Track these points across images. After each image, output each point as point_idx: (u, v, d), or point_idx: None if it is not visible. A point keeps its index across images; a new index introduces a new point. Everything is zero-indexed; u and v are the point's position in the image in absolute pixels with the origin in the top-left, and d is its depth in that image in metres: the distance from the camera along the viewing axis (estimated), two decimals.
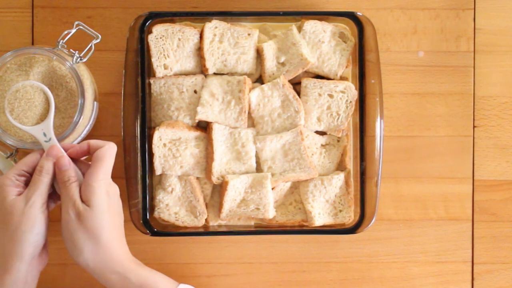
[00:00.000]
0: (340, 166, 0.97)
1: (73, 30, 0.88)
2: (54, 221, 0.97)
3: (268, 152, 0.94)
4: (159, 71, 0.94)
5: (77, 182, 0.82)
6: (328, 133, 0.96)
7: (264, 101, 0.94)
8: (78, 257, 0.82)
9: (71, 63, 0.88)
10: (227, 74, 0.95)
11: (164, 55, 0.93)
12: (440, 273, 1.01)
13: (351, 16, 0.94)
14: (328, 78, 0.96)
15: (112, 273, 0.82)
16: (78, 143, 0.95)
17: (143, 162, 0.93)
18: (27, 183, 0.83)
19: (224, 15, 0.95)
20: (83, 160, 0.87)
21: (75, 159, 0.85)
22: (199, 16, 0.95)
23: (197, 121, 0.94)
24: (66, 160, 0.83)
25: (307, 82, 0.95)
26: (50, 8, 0.99)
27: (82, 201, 0.81)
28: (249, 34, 0.94)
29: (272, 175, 0.94)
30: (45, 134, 0.84)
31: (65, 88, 0.89)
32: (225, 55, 0.94)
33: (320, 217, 0.95)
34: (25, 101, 0.85)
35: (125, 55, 0.92)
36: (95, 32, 0.89)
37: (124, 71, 0.92)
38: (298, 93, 0.95)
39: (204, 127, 0.96)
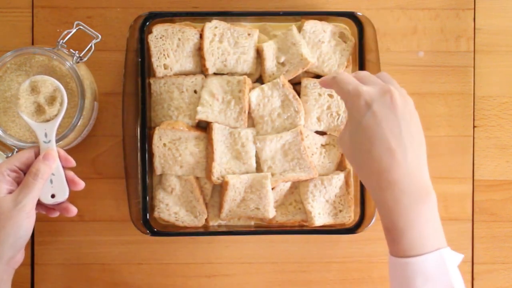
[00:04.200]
0: (340, 166, 0.97)
1: (73, 30, 0.88)
2: (53, 221, 0.97)
3: (268, 152, 0.94)
4: (159, 71, 0.94)
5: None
6: (328, 133, 0.96)
7: (264, 101, 0.94)
8: None
9: (71, 63, 0.88)
10: (227, 74, 0.95)
11: (164, 55, 0.93)
12: None
13: (351, 16, 0.94)
14: None
15: None
16: (78, 143, 0.95)
17: (143, 162, 0.93)
18: (17, 180, 0.81)
19: (224, 15, 0.95)
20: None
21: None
22: (199, 16, 0.95)
23: (197, 121, 0.94)
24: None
25: (307, 82, 0.95)
26: (50, 8, 0.99)
27: None
28: (249, 34, 0.94)
29: (272, 175, 0.94)
30: (46, 135, 0.83)
31: (65, 88, 0.88)
32: (225, 55, 0.94)
33: (320, 217, 0.95)
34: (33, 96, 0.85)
35: (125, 55, 0.92)
36: (95, 32, 0.89)
37: (124, 71, 0.92)
38: (298, 93, 0.95)
39: (204, 127, 0.96)
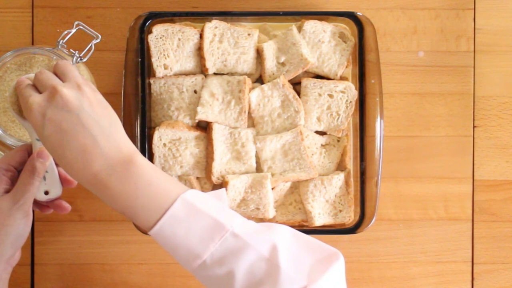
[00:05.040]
0: (340, 166, 0.97)
1: (73, 30, 0.88)
2: (53, 221, 0.98)
3: (268, 152, 0.94)
4: (159, 71, 0.94)
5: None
6: (328, 133, 0.96)
7: (264, 101, 0.94)
8: None
9: (71, 63, 0.88)
10: (227, 74, 0.95)
11: (164, 55, 0.93)
12: (440, 273, 1.01)
13: (351, 16, 0.94)
14: (328, 78, 0.96)
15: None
16: None
17: None
18: (12, 178, 0.81)
19: (224, 15, 0.95)
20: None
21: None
22: (199, 16, 0.95)
23: (197, 121, 0.94)
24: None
25: (307, 82, 0.95)
26: (50, 8, 0.99)
27: None
28: (249, 34, 0.94)
29: (272, 175, 0.94)
30: None
31: None
32: (225, 55, 0.94)
33: (320, 217, 0.95)
34: None
35: (125, 55, 0.92)
36: (95, 32, 0.89)
37: (124, 71, 0.92)
38: (298, 93, 0.95)
39: (204, 127, 0.96)
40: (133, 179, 0.73)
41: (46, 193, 0.83)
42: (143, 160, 0.75)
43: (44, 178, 0.82)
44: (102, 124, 0.74)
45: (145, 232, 0.92)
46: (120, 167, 0.73)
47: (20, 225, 0.79)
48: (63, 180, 0.84)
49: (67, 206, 0.85)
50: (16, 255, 0.83)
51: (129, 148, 0.75)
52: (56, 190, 0.83)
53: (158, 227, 0.72)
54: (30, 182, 0.80)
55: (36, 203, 0.84)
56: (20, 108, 0.79)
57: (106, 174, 0.72)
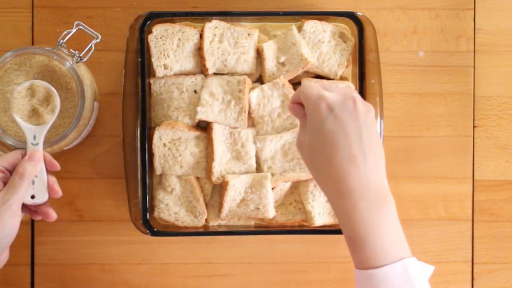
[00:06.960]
0: None
1: (73, 30, 0.88)
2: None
3: (268, 152, 0.94)
4: (159, 71, 0.94)
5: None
6: None
7: (264, 101, 0.94)
8: None
9: (71, 63, 0.88)
10: (227, 74, 0.95)
11: (164, 55, 0.93)
12: (440, 273, 1.01)
13: (351, 16, 0.94)
14: (328, 78, 0.96)
15: None
16: (78, 143, 0.95)
17: (143, 162, 0.93)
18: (3, 180, 0.82)
19: (224, 15, 0.95)
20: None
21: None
22: (199, 16, 0.95)
23: (197, 121, 0.94)
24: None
25: (307, 82, 0.95)
26: (50, 8, 0.99)
27: None
28: (249, 34, 0.94)
29: (272, 175, 0.94)
30: (35, 137, 0.83)
31: (65, 88, 0.89)
32: (225, 55, 0.94)
33: (320, 217, 0.95)
34: (29, 99, 0.85)
35: (125, 55, 0.92)
36: (95, 32, 0.89)
37: (124, 71, 0.92)
38: None
39: (204, 127, 0.96)
40: (379, 218, 0.72)
41: (33, 197, 0.83)
42: (394, 206, 0.74)
43: (33, 182, 0.83)
44: (373, 148, 0.73)
45: (145, 232, 0.92)
46: (374, 199, 0.72)
47: (8, 225, 0.79)
48: (50, 189, 0.84)
49: (53, 214, 0.85)
50: (3, 255, 0.83)
51: (387, 188, 0.74)
52: (42, 196, 0.83)
53: (368, 274, 0.71)
54: (19, 184, 0.80)
55: (26, 208, 0.84)
56: (22, 112, 0.80)
57: (358, 196, 0.72)
